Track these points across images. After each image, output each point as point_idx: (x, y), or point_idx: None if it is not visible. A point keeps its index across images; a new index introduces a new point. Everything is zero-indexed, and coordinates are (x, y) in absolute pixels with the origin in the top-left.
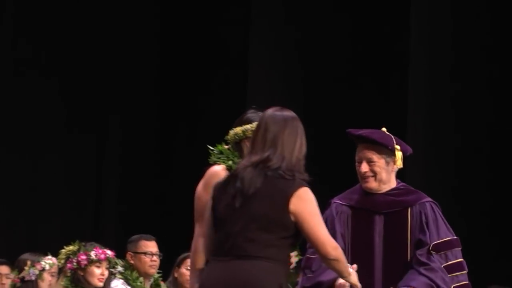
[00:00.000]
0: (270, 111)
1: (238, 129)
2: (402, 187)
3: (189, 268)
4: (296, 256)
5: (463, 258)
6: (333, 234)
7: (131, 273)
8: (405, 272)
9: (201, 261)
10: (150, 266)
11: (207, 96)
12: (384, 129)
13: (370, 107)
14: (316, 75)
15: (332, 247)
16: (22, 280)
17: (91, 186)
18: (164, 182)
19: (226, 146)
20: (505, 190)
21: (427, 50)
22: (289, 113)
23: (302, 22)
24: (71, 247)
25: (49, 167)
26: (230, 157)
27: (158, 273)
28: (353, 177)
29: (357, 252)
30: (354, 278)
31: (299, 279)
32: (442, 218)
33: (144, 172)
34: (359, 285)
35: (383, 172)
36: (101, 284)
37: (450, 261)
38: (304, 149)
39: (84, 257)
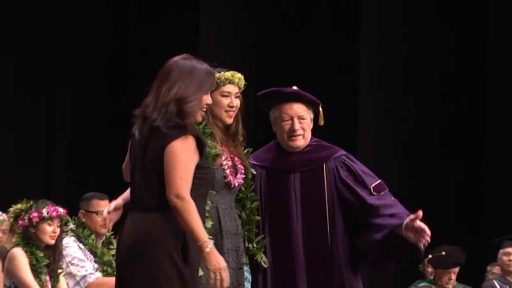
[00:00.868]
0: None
1: None
2: (314, 143)
3: None
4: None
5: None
6: None
7: (83, 230)
8: (323, 230)
9: None
10: (101, 226)
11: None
12: (295, 87)
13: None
14: (265, 19)
15: (174, 194)
16: None
17: (41, 143)
18: (118, 132)
19: None
20: (455, 143)
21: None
22: (181, 60)
23: None
24: (19, 205)
25: None
26: None
27: (112, 230)
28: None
29: (274, 213)
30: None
31: None
32: (360, 166)
33: (96, 123)
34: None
35: (308, 129)
36: (52, 241)
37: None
38: (183, 92)
39: (36, 214)
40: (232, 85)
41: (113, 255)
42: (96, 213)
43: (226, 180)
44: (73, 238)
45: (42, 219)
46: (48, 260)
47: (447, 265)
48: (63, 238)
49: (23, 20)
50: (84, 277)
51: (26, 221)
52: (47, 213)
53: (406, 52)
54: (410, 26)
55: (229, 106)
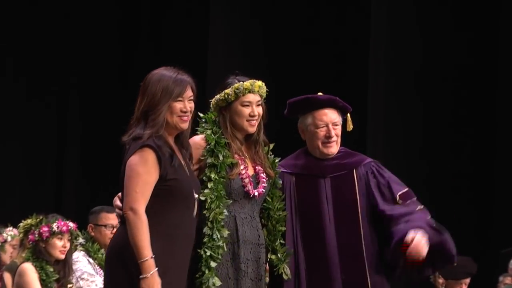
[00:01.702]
0: None
1: (217, 96)
2: (342, 150)
3: None
4: None
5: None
6: None
7: (92, 245)
8: (357, 234)
9: None
10: (110, 238)
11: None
12: (320, 93)
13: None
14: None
15: (129, 207)
16: None
17: (51, 157)
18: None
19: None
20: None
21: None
22: (154, 72)
23: None
24: (29, 221)
25: (8, 142)
26: (209, 127)
27: None
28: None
29: (306, 218)
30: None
31: None
32: (388, 174)
33: (106, 141)
34: None
35: (340, 135)
36: (62, 256)
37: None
38: (150, 102)
39: (46, 229)
40: (252, 94)
41: None
42: (105, 226)
43: (245, 190)
44: (82, 253)
45: (52, 234)
46: (58, 275)
47: (458, 275)
48: (73, 252)
49: (33, 31)
50: None
51: (36, 236)
52: (57, 227)
53: (419, 65)
54: (423, 39)
55: (250, 116)
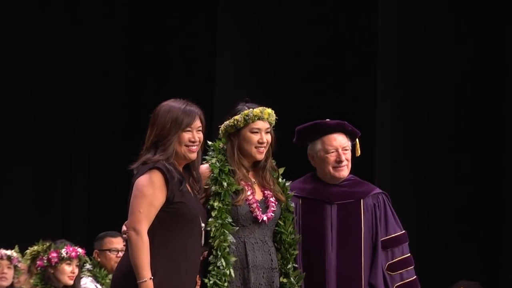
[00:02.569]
0: None
1: (226, 122)
2: (352, 178)
3: None
4: None
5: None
6: None
7: (100, 270)
8: (358, 262)
9: None
10: (116, 262)
11: (174, 90)
12: (328, 119)
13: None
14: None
15: (131, 226)
16: None
17: (59, 184)
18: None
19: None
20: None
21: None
22: (163, 104)
23: (266, 17)
24: (36, 247)
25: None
26: (215, 155)
27: None
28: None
29: (309, 242)
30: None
31: None
32: (391, 211)
33: (113, 169)
34: None
35: (350, 160)
36: (71, 282)
37: (397, 257)
38: (160, 133)
39: (55, 254)
40: (262, 121)
41: None
42: (109, 250)
43: (253, 215)
44: (90, 279)
45: (61, 260)
46: None
47: None
48: (81, 278)
49: (41, 51)
50: None
51: (45, 261)
52: (66, 253)
53: (422, 80)
54: (426, 45)
55: (259, 143)
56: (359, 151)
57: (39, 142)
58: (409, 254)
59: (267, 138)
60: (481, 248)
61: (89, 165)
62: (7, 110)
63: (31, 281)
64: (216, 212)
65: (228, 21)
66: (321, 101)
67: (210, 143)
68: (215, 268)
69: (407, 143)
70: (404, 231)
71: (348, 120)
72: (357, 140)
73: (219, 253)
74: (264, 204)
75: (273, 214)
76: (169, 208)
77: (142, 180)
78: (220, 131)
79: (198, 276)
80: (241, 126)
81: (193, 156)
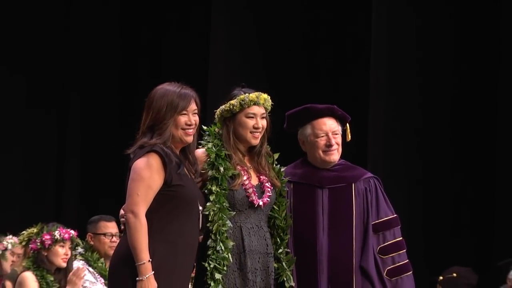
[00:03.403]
0: None
1: (222, 106)
2: (343, 162)
3: None
4: None
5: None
6: None
7: (92, 254)
8: (349, 246)
9: None
10: (110, 247)
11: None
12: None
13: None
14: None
15: (130, 209)
16: None
17: (51, 168)
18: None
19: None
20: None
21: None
22: (158, 87)
23: (260, 4)
24: (31, 230)
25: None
26: (211, 140)
27: None
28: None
29: (300, 227)
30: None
31: None
32: (383, 195)
33: (106, 152)
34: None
35: (340, 144)
36: (64, 264)
37: (388, 241)
38: (156, 117)
39: (48, 237)
40: (257, 106)
41: None
42: (104, 234)
43: (249, 200)
44: (81, 262)
45: (55, 242)
46: (59, 284)
47: (458, 287)
48: (73, 262)
49: (34, 40)
50: None
51: (38, 244)
52: (59, 235)
53: (420, 82)
54: (422, 51)
55: (254, 128)
56: (350, 136)
57: (31, 124)
58: (400, 238)
59: (263, 123)
60: (473, 234)
61: (82, 150)
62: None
63: (23, 263)
64: (214, 196)
65: (221, 7)
66: (314, 88)
67: (205, 128)
68: (215, 252)
69: (400, 129)
70: (395, 215)
71: (342, 107)
72: (347, 125)
73: (218, 237)
74: (260, 189)
75: (268, 199)
76: (167, 190)
77: (140, 163)
78: (215, 116)
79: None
80: (237, 110)
81: (190, 139)
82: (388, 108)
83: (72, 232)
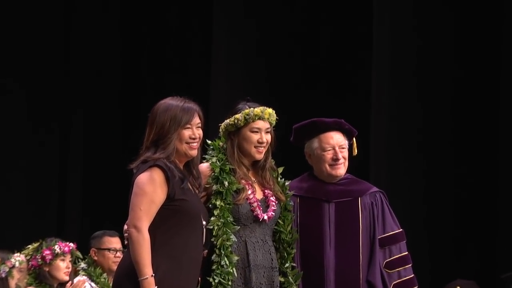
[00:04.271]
0: None
1: (227, 120)
2: (349, 177)
3: None
4: None
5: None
6: None
7: (95, 269)
8: (356, 260)
9: None
10: (114, 262)
11: (170, 91)
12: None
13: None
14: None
15: (132, 224)
16: None
17: (53, 188)
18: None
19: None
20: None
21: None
22: (161, 102)
23: (261, 17)
24: (31, 247)
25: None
26: (215, 154)
27: None
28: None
29: (307, 241)
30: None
31: None
32: (389, 209)
33: (109, 166)
34: None
35: (347, 158)
36: (67, 278)
37: (394, 255)
38: (159, 131)
39: (48, 252)
40: (262, 121)
41: None
42: (108, 250)
43: (254, 214)
44: (84, 277)
45: (55, 256)
46: None
47: None
48: (75, 277)
49: (35, 53)
50: None
51: (39, 260)
52: (59, 249)
53: (416, 84)
54: (424, 66)
55: (258, 142)
56: (356, 151)
57: (33, 145)
58: (406, 252)
59: (267, 138)
60: (477, 247)
61: (84, 169)
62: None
63: (25, 280)
64: (218, 210)
65: (223, 21)
66: (316, 101)
67: (209, 142)
68: (219, 267)
69: (402, 143)
70: (401, 230)
71: (344, 120)
72: (354, 139)
73: (223, 252)
74: (265, 203)
75: (273, 213)
76: (171, 205)
77: (143, 178)
78: (220, 130)
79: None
80: (242, 125)
81: (194, 153)
82: (391, 121)
83: (71, 245)
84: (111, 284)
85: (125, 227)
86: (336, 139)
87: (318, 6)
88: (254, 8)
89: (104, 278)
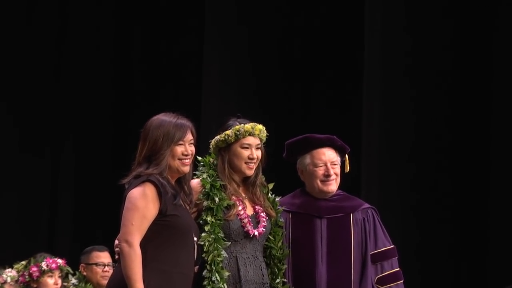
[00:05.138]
0: None
1: (217, 137)
2: (341, 193)
3: None
4: None
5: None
6: None
7: (85, 285)
8: (348, 276)
9: None
10: (102, 276)
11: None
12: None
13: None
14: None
15: (124, 239)
16: None
17: (44, 209)
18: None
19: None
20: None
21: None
22: (154, 118)
23: (253, 25)
24: (18, 265)
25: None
26: (206, 170)
27: None
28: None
29: (298, 257)
30: None
31: None
32: (380, 226)
33: (99, 192)
34: None
35: (339, 175)
36: None
37: (386, 271)
38: (152, 147)
39: (35, 268)
40: (253, 137)
41: None
42: (96, 264)
43: (244, 230)
44: None
45: (43, 273)
46: None
47: None
48: None
49: (24, 75)
50: None
51: (27, 277)
52: (47, 266)
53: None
54: (416, 82)
55: (249, 158)
56: (348, 168)
57: (24, 166)
58: (398, 269)
59: (258, 154)
60: (468, 264)
61: (75, 190)
62: None
63: None
64: (209, 226)
65: (215, 39)
66: (308, 117)
67: (200, 158)
68: (210, 283)
69: (394, 158)
70: (393, 246)
71: (336, 135)
72: (346, 156)
73: (213, 268)
74: (255, 219)
75: (264, 229)
76: (162, 220)
77: (135, 193)
78: (210, 146)
79: None
80: (232, 141)
81: (186, 169)
82: (382, 136)
83: (60, 261)
84: None
85: (116, 241)
86: (328, 155)
87: (310, 17)
88: (246, 21)
89: None
